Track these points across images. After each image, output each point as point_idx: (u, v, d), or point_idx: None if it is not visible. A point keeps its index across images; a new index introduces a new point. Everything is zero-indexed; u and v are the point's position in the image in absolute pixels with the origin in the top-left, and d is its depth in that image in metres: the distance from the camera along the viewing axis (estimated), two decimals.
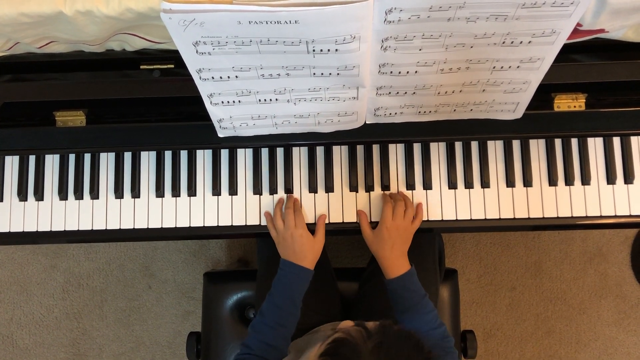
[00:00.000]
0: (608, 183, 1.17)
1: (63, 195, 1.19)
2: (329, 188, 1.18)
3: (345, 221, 1.18)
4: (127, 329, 1.97)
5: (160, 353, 1.96)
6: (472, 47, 0.88)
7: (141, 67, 1.01)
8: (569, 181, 1.17)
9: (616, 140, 1.17)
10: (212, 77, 0.92)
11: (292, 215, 1.12)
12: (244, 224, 1.18)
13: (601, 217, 1.16)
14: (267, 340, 1.04)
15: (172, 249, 1.98)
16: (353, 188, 1.18)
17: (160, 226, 1.19)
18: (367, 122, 1.09)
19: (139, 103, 1.10)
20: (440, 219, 1.17)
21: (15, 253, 1.98)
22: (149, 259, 1.98)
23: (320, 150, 1.19)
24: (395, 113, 1.06)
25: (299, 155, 1.19)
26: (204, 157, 1.19)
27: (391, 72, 0.93)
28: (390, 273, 1.09)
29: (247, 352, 1.04)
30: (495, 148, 1.18)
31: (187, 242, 1.97)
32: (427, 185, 1.18)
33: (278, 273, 1.11)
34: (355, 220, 1.18)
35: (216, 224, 1.18)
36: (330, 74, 0.92)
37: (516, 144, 1.18)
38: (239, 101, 0.99)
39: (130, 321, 1.97)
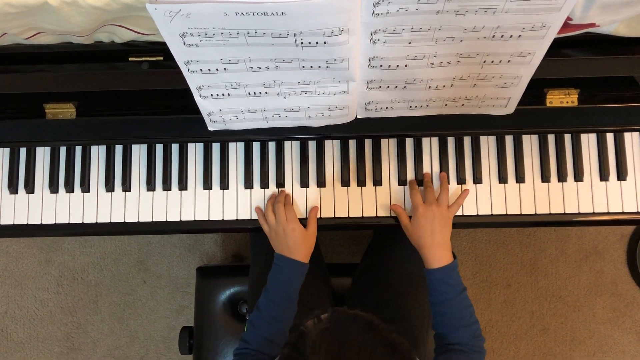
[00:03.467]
0: (601, 180, 1.16)
1: (54, 188, 1.18)
2: (321, 183, 1.17)
3: (337, 216, 1.17)
4: (122, 323, 1.97)
5: (154, 347, 1.96)
6: (461, 40, 0.87)
7: (130, 59, 1.00)
8: (561, 177, 1.16)
9: (609, 137, 1.17)
10: (201, 70, 0.92)
11: (283, 210, 1.12)
12: (235, 218, 1.18)
13: (594, 214, 1.16)
14: (264, 334, 1.04)
15: (166, 244, 1.97)
16: (345, 183, 1.17)
17: (151, 220, 1.18)
18: (358, 117, 1.09)
19: (129, 96, 1.10)
20: None
21: (9, 247, 1.98)
22: (143, 254, 1.98)
23: (312, 145, 1.18)
24: (386, 107, 1.05)
25: (291, 149, 1.19)
26: (195, 151, 1.19)
27: (381, 66, 0.93)
28: (430, 263, 1.06)
29: (245, 346, 1.04)
30: (487, 143, 1.18)
31: (181, 237, 1.97)
32: (419, 181, 1.17)
33: (272, 268, 1.10)
34: (346, 215, 1.17)
35: (207, 218, 1.18)
36: (319, 67, 0.91)
37: (509, 140, 1.17)
38: (229, 94, 0.98)
39: (124, 315, 1.97)
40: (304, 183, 1.17)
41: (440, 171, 1.17)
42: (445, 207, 1.11)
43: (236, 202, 1.18)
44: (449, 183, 1.16)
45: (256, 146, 1.18)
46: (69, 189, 1.18)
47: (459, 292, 1.05)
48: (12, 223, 1.19)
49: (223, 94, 0.98)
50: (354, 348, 0.70)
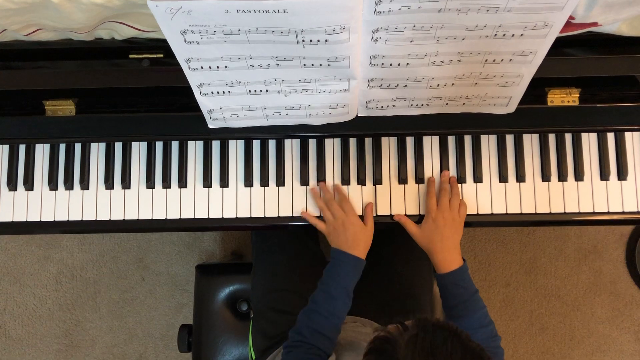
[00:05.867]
0: (601, 179, 1.16)
1: (53, 185, 1.18)
2: (321, 181, 1.17)
3: None
4: (120, 320, 1.96)
5: (152, 345, 1.96)
6: (463, 39, 0.87)
7: (130, 56, 1.00)
8: (562, 177, 1.16)
9: (610, 136, 1.17)
10: (201, 67, 0.91)
11: (335, 203, 1.12)
12: (234, 216, 1.17)
13: (594, 213, 1.16)
14: (319, 329, 1.02)
15: (165, 241, 1.97)
16: (345, 181, 1.17)
17: (150, 218, 1.18)
18: (359, 115, 1.09)
19: (129, 93, 1.10)
20: None
21: (8, 244, 1.98)
22: (142, 251, 1.97)
23: (312, 143, 1.18)
24: (387, 106, 1.05)
25: (291, 147, 1.18)
26: (195, 149, 1.18)
27: (382, 64, 0.92)
28: (442, 268, 1.06)
29: (301, 339, 1.02)
30: (488, 142, 1.18)
31: (180, 235, 1.97)
32: (419, 180, 1.17)
33: (330, 262, 1.09)
34: None
35: (207, 216, 1.18)
36: (320, 65, 0.91)
37: (510, 139, 1.17)
38: (229, 92, 0.98)
39: (123, 313, 1.97)
40: (304, 181, 1.17)
41: (441, 170, 1.16)
42: (457, 212, 1.11)
43: (236, 200, 1.18)
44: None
45: (256, 144, 1.18)
46: (68, 186, 1.18)
47: (472, 294, 1.05)
48: (10, 220, 1.18)
49: (224, 92, 0.98)
50: (444, 356, 0.70)
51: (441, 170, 1.16)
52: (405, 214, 1.16)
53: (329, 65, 0.91)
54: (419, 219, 1.15)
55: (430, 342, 0.71)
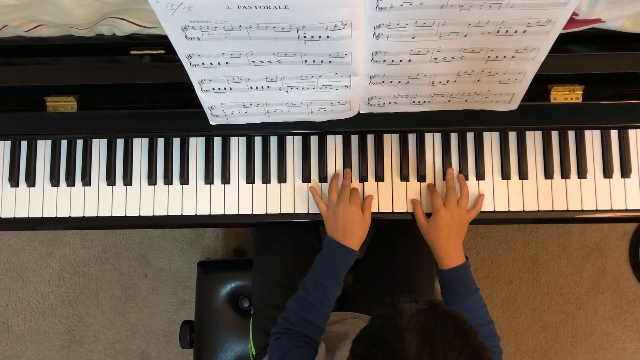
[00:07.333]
0: (605, 177, 1.16)
1: (55, 181, 1.18)
2: (323, 178, 1.17)
3: None
4: (123, 316, 1.97)
5: (155, 341, 1.96)
6: (466, 35, 0.87)
7: (131, 52, 1.00)
8: (565, 174, 1.15)
9: (614, 134, 1.16)
10: (202, 63, 0.91)
11: (348, 190, 1.12)
12: (236, 213, 1.17)
13: (597, 211, 1.15)
14: (309, 317, 1.02)
15: (168, 238, 1.97)
16: None
17: (152, 214, 1.18)
18: (360, 112, 1.08)
19: (130, 89, 1.09)
20: None
21: (11, 240, 1.98)
22: (144, 248, 1.97)
23: (314, 140, 1.18)
24: (389, 102, 1.04)
25: (293, 144, 1.18)
26: (196, 145, 1.18)
27: (384, 61, 0.92)
28: (444, 264, 1.07)
29: (289, 327, 1.02)
30: (491, 139, 1.17)
31: (182, 231, 1.97)
32: (421, 177, 1.16)
33: (323, 251, 1.09)
34: None
35: (208, 213, 1.17)
36: (322, 61, 0.91)
37: (512, 136, 1.17)
38: (230, 88, 0.97)
39: (125, 309, 1.97)
40: (306, 178, 1.17)
41: (443, 167, 1.16)
42: (465, 211, 1.11)
43: (237, 197, 1.17)
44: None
45: (258, 141, 1.18)
46: (70, 182, 1.18)
47: (473, 291, 1.05)
48: (13, 216, 1.18)
49: (225, 88, 0.97)
50: (442, 339, 0.69)
51: (443, 168, 1.16)
52: (408, 211, 1.16)
53: (330, 61, 0.90)
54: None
55: (435, 321, 0.70)
